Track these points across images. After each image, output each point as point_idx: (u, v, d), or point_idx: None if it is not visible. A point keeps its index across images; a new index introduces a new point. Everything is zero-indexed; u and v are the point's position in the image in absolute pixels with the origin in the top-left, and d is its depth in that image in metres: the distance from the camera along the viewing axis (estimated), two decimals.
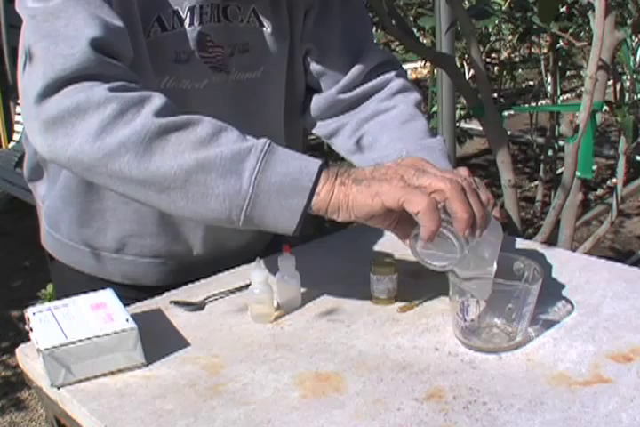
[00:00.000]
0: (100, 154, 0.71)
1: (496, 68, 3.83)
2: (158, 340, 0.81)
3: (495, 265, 0.77)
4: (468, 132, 3.35)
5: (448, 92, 2.27)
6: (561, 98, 3.60)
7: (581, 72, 3.15)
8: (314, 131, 1.08)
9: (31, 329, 0.76)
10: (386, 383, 0.72)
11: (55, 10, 0.75)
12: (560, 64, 3.03)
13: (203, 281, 0.97)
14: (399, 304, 0.89)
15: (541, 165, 3.45)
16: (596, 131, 1.83)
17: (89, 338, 0.73)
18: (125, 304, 0.81)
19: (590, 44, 1.27)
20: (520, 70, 4.43)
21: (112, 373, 0.75)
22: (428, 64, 3.80)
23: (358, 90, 1.02)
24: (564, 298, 0.88)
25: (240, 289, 0.93)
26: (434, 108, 2.92)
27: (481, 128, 1.50)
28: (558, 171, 3.31)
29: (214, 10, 0.90)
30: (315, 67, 1.02)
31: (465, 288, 0.76)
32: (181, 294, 0.94)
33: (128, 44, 0.80)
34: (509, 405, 0.68)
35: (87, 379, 0.74)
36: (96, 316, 0.77)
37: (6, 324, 2.60)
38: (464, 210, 0.71)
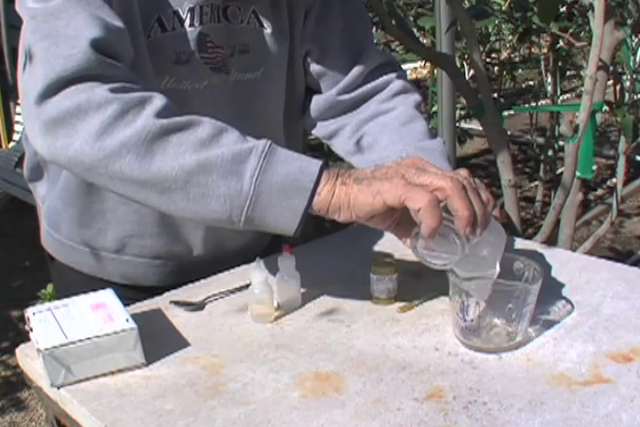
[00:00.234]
0: (100, 155, 0.71)
1: (496, 68, 3.83)
2: (158, 340, 0.81)
3: (498, 267, 0.77)
4: (468, 132, 3.36)
5: (448, 92, 2.27)
6: (561, 98, 3.60)
7: (581, 72, 3.15)
8: (313, 132, 1.08)
9: (31, 329, 0.76)
10: (386, 383, 0.72)
11: (55, 10, 0.75)
12: (560, 64, 3.03)
13: (203, 281, 0.97)
14: (399, 304, 0.89)
15: (541, 165, 3.45)
16: (596, 131, 1.83)
17: (89, 338, 0.73)
18: (125, 304, 0.81)
19: (590, 44, 1.27)
20: (520, 70, 4.42)
21: (112, 373, 0.75)
22: (427, 64, 3.80)
23: (358, 91, 1.02)
24: (564, 298, 0.88)
25: (240, 289, 0.93)
26: (434, 108, 2.92)
27: (481, 128, 1.50)
28: (558, 171, 3.32)
29: (214, 10, 0.90)
30: (315, 68, 1.02)
31: (465, 288, 0.76)
32: (181, 294, 0.94)
33: (128, 44, 0.80)
34: (509, 405, 0.68)
35: (87, 379, 0.74)
36: (96, 316, 0.77)
37: (6, 324, 2.60)
38: (465, 207, 0.71)
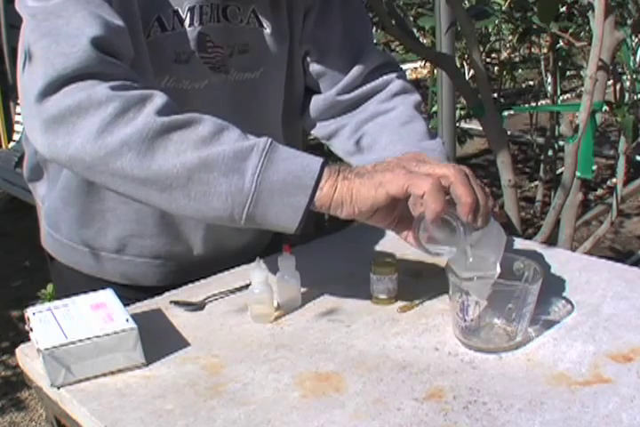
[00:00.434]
0: (101, 153, 0.71)
1: (496, 68, 3.83)
2: (158, 340, 0.81)
3: (498, 268, 0.77)
4: (468, 132, 3.36)
5: (448, 92, 2.27)
6: (561, 98, 3.60)
7: (581, 72, 3.15)
8: (313, 132, 1.08)
9: (31, 329, 0.76)
10: (386, 383, 0.72)
11: (55, 9, 0.75)
12: (560, 64, 3.03)
13: (203, 281, 0.97)
14: (399, 304, 0.89)
15: (541, 165, 3.45)
16: (596, 131, 1.83)
17: (89, 338, 0.73)
18: (125, 304, 0.81)
19: (590, 44, 1.27)
20: (520, 70, 4.42)
21: (112, 373, 0.75)
22: (428, 64, 3.80)
23: (358, 91, 1.02)
24: (564, 298, 0.88)
25: (240, 289, 0.93)
26: (434, 108, 2.92)
27: (481, 128, 1.50)
28: (558, 171, 3.32)
29: (214, 10, 0.90)
30: (314, 68, 1.02)
31: (465, 288, 0.76)
32: (181, 294, 0.94)
33: (129, 43, 0.80)
34: (509, 405, 0.68)
35: (87, 379, 0.74)
36: (96, 316, 0.77)
37: (6, 324, 2.60)
38: (468, 194, 0.71)
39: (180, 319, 0.87)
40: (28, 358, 0.79)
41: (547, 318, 0.84)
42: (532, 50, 3.77)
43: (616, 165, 1.71)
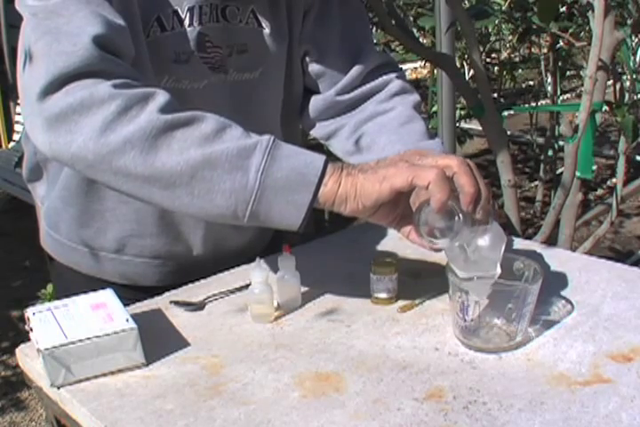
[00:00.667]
0: (104, 151, 0.71)
1: (496, 68, 3.83)
2: (158, 340, 0.81)
3: (499, 269, 0.77)
4: (468, 132, 3.36)
5: (448, 92, 2.27)
6: (561, 98, 3.60)
7: (581, 72, 3.15)
8: (312, 132, 1.08)
9: (31, 329, 0.76)
10: (386, 383, 0.72)
11: (56, 7, 0.75)
12: (560, 64, 3.03)
13: (203, 281, 0.97)
14: (399, 304, 0.89)
15: (541, 165, 3.44)
16: (596, 131, 1.83)
17: (89, 338, 0.73)
18: (125, 305, 0.81)
19: (590, 44, 1.27)
20: (520, 70, 4.42)
21: (112, 373, 0.75)
22: (428, 64, 3.80)
23: (357, 91, 1.02)
24: (564, 298, 0.88)
25: (240, 289, 0.93)
26: (434, 108, 2.92)
27: (481, 128, 1.49)
28: (558, 171, 3.31)
29: (213, 10, 0.90)
30: (313, 68, 1.02)
31: (465, 288, 0.76)
32: (181, 294, 0.94)
33: (129, 42, 0.80)
34: (509, 405, 0.68)
35: (87, 379, 0.74)
36: (96, 316, 0.77)
37: (6, 324, 2.60)
38: (471, 184, 0.72)
39: (180, 319, 0.87)
40: (28, 358, 0.79)
41: (547, 318, 0.84)
42: (532, 50, 3.77)
43: (616, 165, 1.71)
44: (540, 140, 3.72)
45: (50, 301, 1.01)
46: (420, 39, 3.25)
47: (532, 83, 5.01)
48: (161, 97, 0.74)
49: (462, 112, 3.21)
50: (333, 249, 1.08)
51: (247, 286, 0.88)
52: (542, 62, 3.30)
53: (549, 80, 3.13)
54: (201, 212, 0.74)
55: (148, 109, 0.72)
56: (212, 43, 0.91)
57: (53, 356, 0.72)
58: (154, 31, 0.86)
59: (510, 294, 0.76)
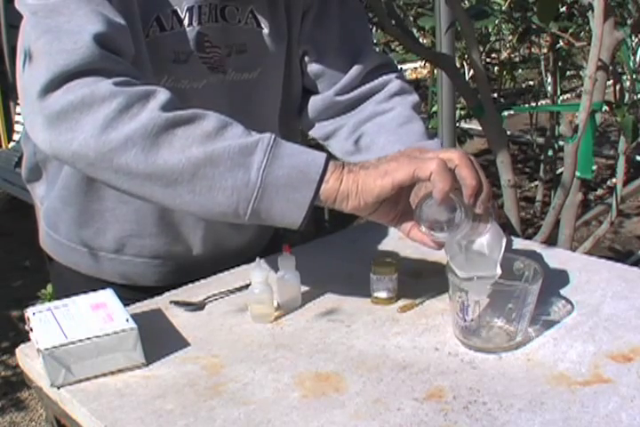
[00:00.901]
0: (105, 148, 0.71)
1: (496, 68, 3.83)
2: (158, 340, 0.81)
3: (499, 270, 0.77)
4: (468, 132, 3.36)
5: (448, 92, 2.27)
6: (561, 98, 3.60)
7: (581, 72, 3.15)
8: (310, 132, 1.08)
9: (31, 329, 0.76)
10: (386, 383, 0.72)
11: (57, 6, 0.75)
12: (560, 64, 3.03)
13: (203, 281, 0.97)
14: (399, 304, 0.89)
15: (541, 165, 3.44)
16: (596, 131, 1.83)
17: (89, 338, 0.73)
18: (125, 305, 0.81)
19: (590, 44, 1.26)
20: (520, 70, 4.42)
21: (112, 373, 0.75)
22: (428, 64, 3.80)
23: (356, 92, 1.02)
24: (564, 298, 0.88)
25: (240, 289, 0.93)
26: (434, 108, 2.92)
27: (481, 128, 1.50)
28: (558, 171, 3.31)
29: (212, 10, 0.90)
30: (312, 68, 1.02)
31: (465, 288, 0.76)
32: (181, 294, 0.94)
33: (130, 41, 0.80)
34: (509, 405, 0.68)
35: (87, 379, 0.74)
36: (96, 316, 0.77)
37: (6, 324, 2.60)
38: (473, 177, 0.72)
39: (180, 319, 0.87)
40: (28, 358, 0.79)
41: (547, 318, 0.84)
42: (532, 50, 3.77)
43: (616, 165, 1.71)
44: (540, 140, 3.72)
45: (50, 301, 1.01)
46: (420, 39, 3.25)
47: (531, 83, 5.01)
48: (162, 95, 0.74)
49: (462, 112, 3.21)
50: (333, 249, 1.08)
51: (247, 286, 0.88)
52: (542, 62, 3.30)
53: (549, 80, 3.13)
54: (202, 210, 0.74)
55: (150, 107, 0.72)
56: (210, 43, 0.91)
57: (53, 356, 0.72)
58: (153, 31, 0.86)
59: (510, 294, 0.76)
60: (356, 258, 1.02)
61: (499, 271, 0.77)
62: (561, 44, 2.92)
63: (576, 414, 0.66)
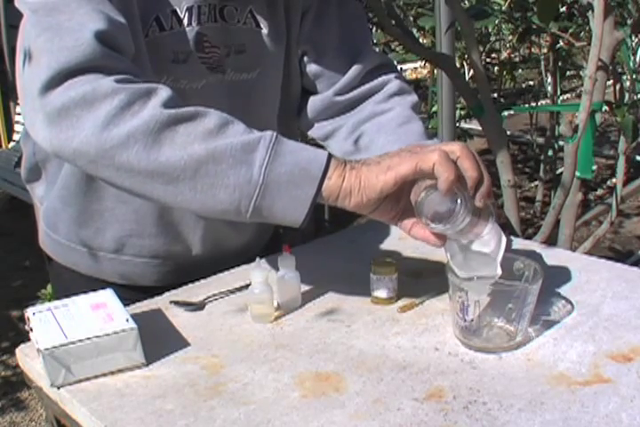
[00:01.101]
0: (107, 145, 0.70)
1: (496, 68, 3.83)
2: (158, 340, 0.81)
3: (499, 269, 0.77)
4: (468, 132, 3.36)
5: (448, 92, 2.27)
6: (561, 98, 3.60)
7: (581, 72, 3.15)
8: (309, 133, 1.08)
9: (31, 329, 0.76)
10: (386, 383, 0.72)
11: (57, 5, 0.75)
12: (560, 64, 3.03)
13: (203, 281, 0.97)
14: (399, 304, 0.89)
15: (541, 165, 3.44)
16: (596, 131, 1.83)
17: (89, 338, 0.73)
18: (124, 305, 0.81)
19: (590, 44, 1.27)
20: (520, 70, 4.43)
21: (112, 373, 0.75)
22: (428, 64, 3.80)
23: (355, 92, 1.02)
24: (564, 298, 0.88)
25: (240, 289, 0.93)
26: (434, 108, 2.92)
27: (481, 128, 1.50)
28: (558, 171, 3.31)
29: (211, 10, 0.90)
30: (311, 68, 1.02)
31: (465, 288, 0.76)
32: (181, 294, 0.94)
33: (130, 40, 0.80)
34: (509, 405, 0.68)
35: (87, 379, 0.74)
36: (96, 316, 0.77)
37: (6, 324, 2.60)
38: (475, 169, 0.73)
39: (180, 319, 0.87)
40: (28, 358, 0.79)
41: (547, 318, 0.84)
42: (532, 50, 3.77)
43: (616, 165, 1.71)
44: (540, 140, 3.72)
45: (50, 301, 1.01)
46: (420, 39, 3.25)
47: (532, 83, 5.01)
48: (164, 92, 0.73)
49: (462, 112, 3.21)
50: (333, 249, 1.08)
51: (247, 286, 0.88)
52: (542, 62, 3.30)
53: (549, 80, 3.13)
54: (203, 207, 0.74)
55: (152, 104, 0.72)
56: (210, 43, 0.91)
57: (53, 356, 0.72)
58: (152, 31, 0.86)
59: (510, 294, 0.76)
60: (356, 258, 1.02)
61: (499, 271, 0.77)
62: (561, 44, 2.92)
63: (576, 414, 0.66)
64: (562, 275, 0.94)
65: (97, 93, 0.70)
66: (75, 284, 1.04)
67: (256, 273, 0.84)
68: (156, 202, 0.78)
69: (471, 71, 3.11)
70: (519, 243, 1.07)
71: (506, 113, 3.79)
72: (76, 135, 0.71)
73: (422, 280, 0.95)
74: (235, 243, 1.08)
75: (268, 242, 1.17)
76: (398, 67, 1.11)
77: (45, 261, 1.12)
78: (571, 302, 0.87)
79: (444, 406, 0.68)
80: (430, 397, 0.70)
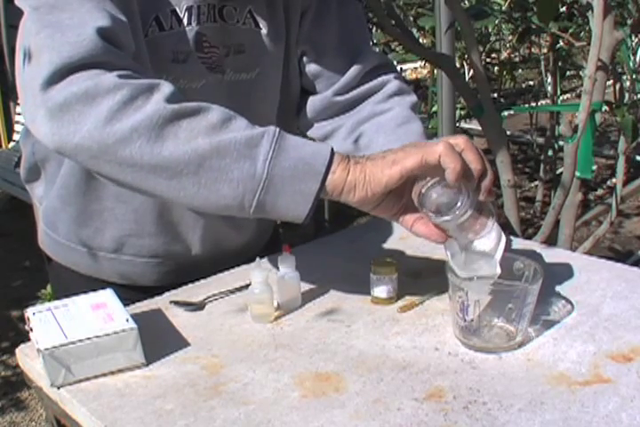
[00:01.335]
0: (110, 140, 0.70)
1: (496, 68, 3.83)
2: (158, 340, 0.81)
3: (499, 269, 0.77)
4: (468, 132, 3.35)
5: (448, 92, 2.27)
6: (561, 98, 3.60)
7: (581, 72, 3.15)
8: (308, 133, 1.08)
9: (31, 329, 0.76)
10: (386, 383, 0.72)
11: (58, 2, 0.75)
12: (560, 64, 3.03)
13: (203, 281, 0.97)
14: (399, 304, 0.89)
15: (541, 165, 3.44)
16: (596, 131, 1.83)
17: (89, 338, 0.73)
18: (125, 305, 0.81)
19: (590, 44, 1.27)
20: (520, 70, 4.42)
21: (112, 373, 0.75)
22: (428, 64, 3.80)
23: (354, 92, 1.02)
24: (564, 298, 0.88)
25: (240, 289, 0.93)
26: (434, 108, 2.92)
27: (481, 128, 1.50)
28: (558, 171, 3.31)
29: (211, 10, 0.90)
30: (310, 68, 1.02)
31: (465, 288, 0.76)
32: (181, 294, 0.94)
33: (131, 38, 0.80)
34: (509, 405, 0.68)
35: (87, 379, 0.74)
36: (96, 316, 0.77)
37: (6, 324, 2.60)
38: (478, 161, 0.74)
39: (180, 319, 0.87)
40: (28, 358, 0.79)
41: (547, 318, 0.84)
42: (532, 50, 3.77)
43: (616, 165, 1.71)
44: (540, 140, 3.72)
45: (50, 301, 1.01)
46: (420, 39, 3.25)
47: (532, 83, 5.01)
48: (166, 88, 0.73)
49: (462, 112, 3.21)
50: (333, 249, 1.08)
51: (247, 286, 0.88)
52: (542, 62, 3.30)
53: (549, 80, 3.13)
54: (206, 203, 0.74)
55: (155, 99, 0.71)
56: (209, 43, 0.91)
57: (53, 356, 0.72)
58: (152, 31, 0.86)
59: (510, 294, 0.76)
60: (356, 258, 1.02)
61: (499, 271, 0.77)
62: (561, 44, 2.92)
63: (576, 414, 0.66)
64: (562, 275, 0.95)
65: (99, 88, 0.70)
66: (74, 284, 1.04)
67: (256, 273, 0.84)
68: (159, 197, 0.77)
69: (471, 71, 3.10)
70: (519, 243, 1.07)
71: (506, 113, 3.78)
72: (78, 130, 0.70)
73: (422, 280, 0.95)
74: (234, 243, 1.08)
75: (267, 242, 1.17)
76: (398, 67, 1.11)
77: (45, 261, 1.12)
78: (571, 302, 0.87)
79: (443, 406, 0.68)
80: (430, 397, 0.70)
